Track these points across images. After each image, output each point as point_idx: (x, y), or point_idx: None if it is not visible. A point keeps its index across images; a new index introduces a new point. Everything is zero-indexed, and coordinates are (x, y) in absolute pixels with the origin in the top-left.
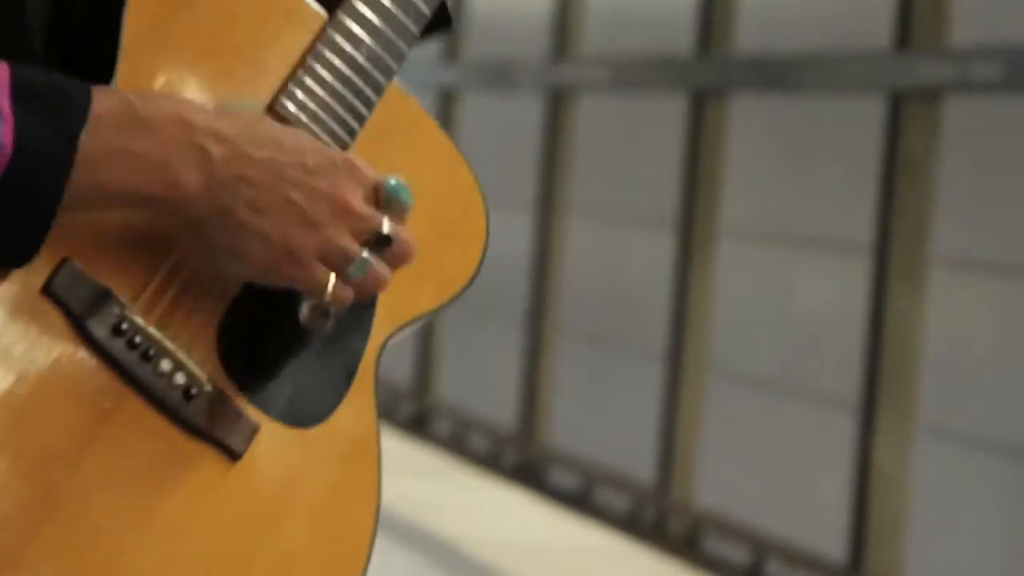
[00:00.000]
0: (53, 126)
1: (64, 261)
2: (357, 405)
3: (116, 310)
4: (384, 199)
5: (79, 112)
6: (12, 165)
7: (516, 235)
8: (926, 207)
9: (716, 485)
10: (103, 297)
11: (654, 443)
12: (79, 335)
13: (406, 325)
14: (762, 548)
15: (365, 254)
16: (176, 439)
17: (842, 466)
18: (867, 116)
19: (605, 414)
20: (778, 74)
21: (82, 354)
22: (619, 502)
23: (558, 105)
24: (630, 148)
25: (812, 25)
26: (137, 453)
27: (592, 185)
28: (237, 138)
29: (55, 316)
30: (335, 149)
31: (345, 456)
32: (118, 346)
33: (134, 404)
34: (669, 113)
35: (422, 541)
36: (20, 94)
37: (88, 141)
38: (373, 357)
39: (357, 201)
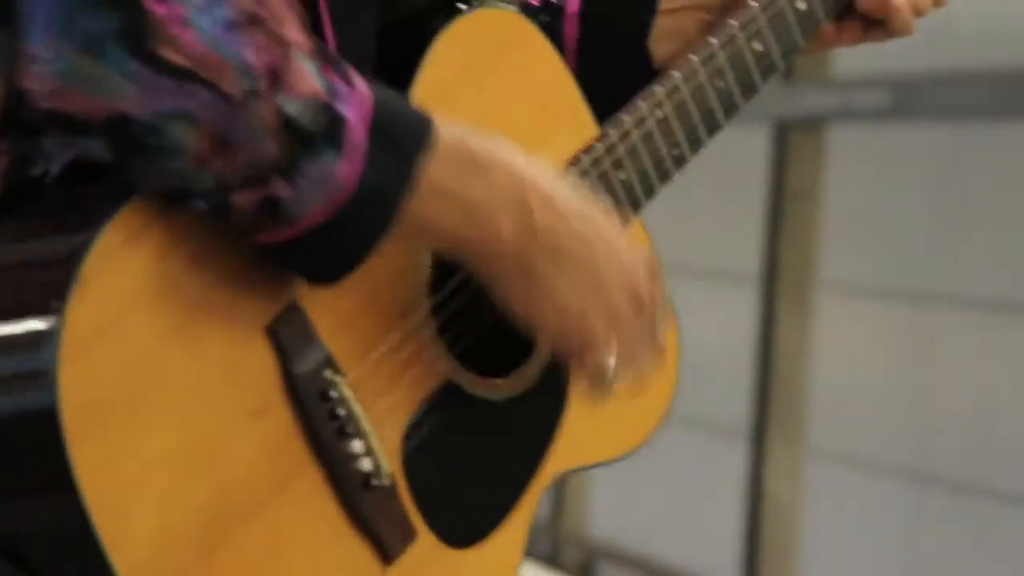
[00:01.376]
0: (398, 160)
1: (293, 304)
2: (509, 535)
3: (328, 374)
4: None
5: (423, 146)
6: (352, 201)
7: None
8: (813, 235)
9: (609, 515)
10: (320, 354)
11: None
12: (285, 385)
13: (579, 468)
14: None
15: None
16: (341, 527)
17: (734, 493)
18: (754, 146)
19: None
20: None
21: (282, 406)
22: None
23: None
24: None
25: None
26: (302, 529)
27: None
28: (562, 205)
29: (267, 357)
30: (647, 249)
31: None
32: (320, 412)
33: (315, 477)
34: None
35: None
36: (377, 130)
37: (425, 175)
38: (538, 489)
39: (652, 307)
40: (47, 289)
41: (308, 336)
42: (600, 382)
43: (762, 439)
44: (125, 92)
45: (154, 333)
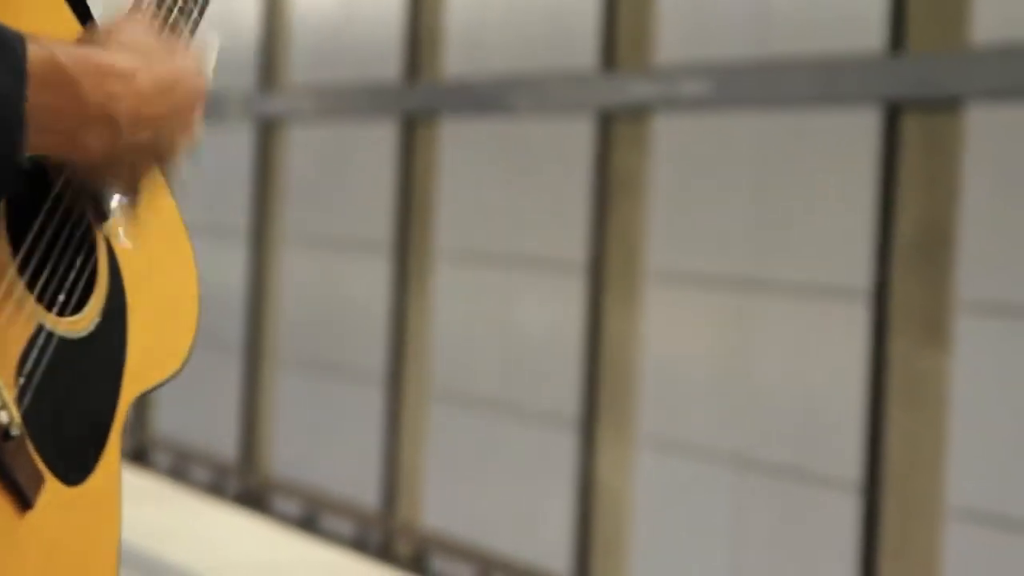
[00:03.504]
0: (12, 71)
1: None
2: (109, 462)
3: None
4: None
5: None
6: None
7: (231, 267)
8: (638, 224)
9: (441, 506)
10: None
11: (378, 467)
12: None
13: (147, 391)
14: (489, 566)
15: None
16: None
17: (565, 482)
18: (577, 135)
19: (329, 441)
20: (487, 97)
21: None
22: (345, 527)
23: (267, 135)
24: (343, 176)
25: (519, 48)
26: None
27: (307, 214)
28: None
29: None
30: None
31: (99, 513)
32: None
33: None
34: (380, 139)
35: (152, 568)
36: None
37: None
38: (121, 418)
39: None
40: None
41: None
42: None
43: (592, 428)
44: None
45: None
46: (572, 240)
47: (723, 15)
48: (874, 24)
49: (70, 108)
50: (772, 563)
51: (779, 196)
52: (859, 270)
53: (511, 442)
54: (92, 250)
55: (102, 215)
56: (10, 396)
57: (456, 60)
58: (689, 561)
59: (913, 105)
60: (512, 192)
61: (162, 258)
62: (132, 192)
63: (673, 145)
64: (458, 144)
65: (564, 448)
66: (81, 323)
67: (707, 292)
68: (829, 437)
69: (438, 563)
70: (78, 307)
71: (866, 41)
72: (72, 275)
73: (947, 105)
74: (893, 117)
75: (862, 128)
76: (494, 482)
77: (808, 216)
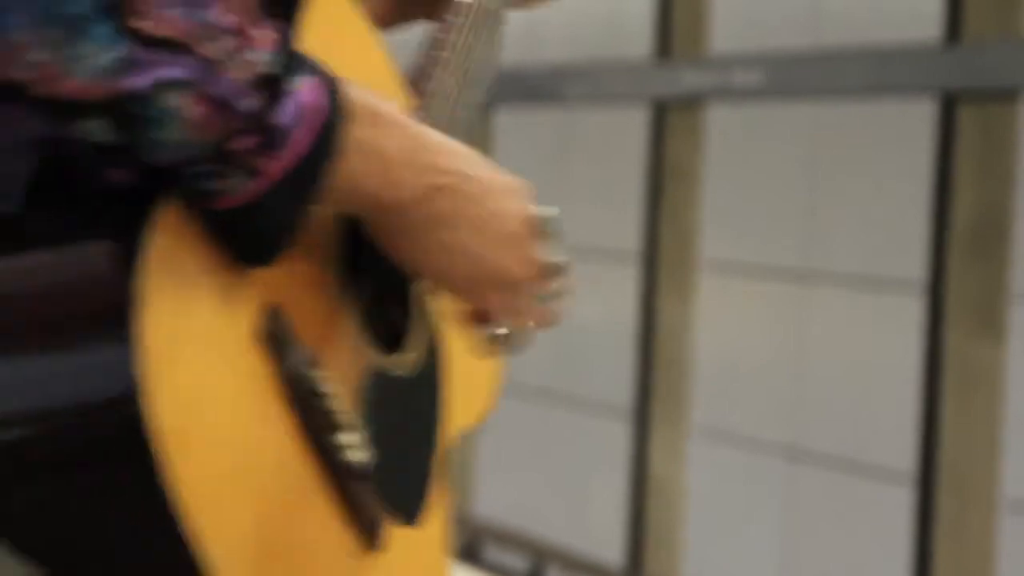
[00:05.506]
0: (333, 97)
1: (272, 304)
2: (436, 508)
3: (313, 370)
4: (546, 228)
5: (342, 94)
6: (326, 123)
7: None
8: (693, 213)
9: (494, 495)
10: (303, 352)
11: None
12: (285, 384)
13: (458, 435)
14: (541, 556)
15: (555, 283)
16: (336, 519)
17: (618, 472)
18: (631, 125)
19: None
20: (541, 87)
21: (282, 406)
22: None
23: None
24: None
25: (574, 38)
26: (306, 526)
27: None
28: (456, 159)
29: (260, 359)
30: (506, 174)
31: (431, 554)
32: (313, 408)
33: (315, 476)
34: None
35: None
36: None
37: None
38: (442, 461)
39: (535, 230)
40: (109, 312)
41: (293, 335)
42: (519, 321)
43: (645, 418)
44: (117, 69)
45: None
46: (626, 230)
47: (777, 5)
48: (930, 14)
49: (388, 148)
50: (824, 555)
51: (833, 186)
52: (914, 261)
53: (564, 432)
54: (406, 280)
55: None
56: (362, 436)
57: (509, 49)
58: (741, 552)
59: (969, 96)
60: (566, 181)
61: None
62: (508, 307)
63: (727, 135)
64: (511, 134)
65: (617, 438)
66: (406, 361)
67: (761, 282)
68: (883, 428)
69: (491, 553)
70: (396, 343)
71: (922, 31)
72: (393, 309)
73: (1003, 95)
74: (949, 108)
75: (917, 119)
76: (547, 472)
77: (862, 207)
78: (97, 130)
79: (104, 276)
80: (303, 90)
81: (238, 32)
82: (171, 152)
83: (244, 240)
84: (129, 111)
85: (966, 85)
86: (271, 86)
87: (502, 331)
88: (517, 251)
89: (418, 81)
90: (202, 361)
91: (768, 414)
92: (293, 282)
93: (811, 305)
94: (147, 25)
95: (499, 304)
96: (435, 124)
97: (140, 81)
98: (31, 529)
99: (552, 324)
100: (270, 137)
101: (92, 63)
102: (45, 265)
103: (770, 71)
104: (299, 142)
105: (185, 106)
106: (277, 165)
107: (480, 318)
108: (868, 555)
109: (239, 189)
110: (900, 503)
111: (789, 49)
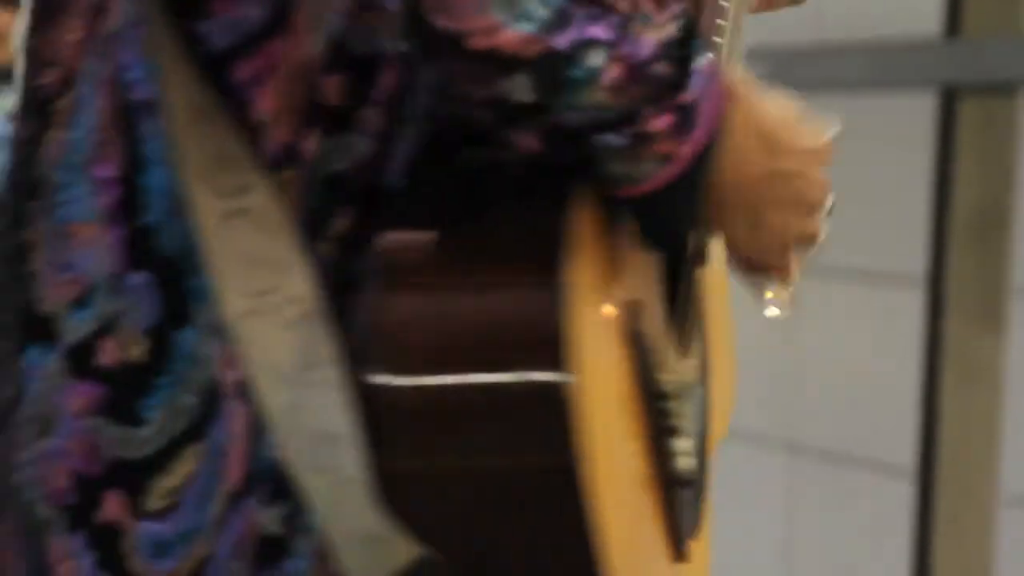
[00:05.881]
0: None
1: (635, 301)
2: (706, 525)
3: (662, 373)
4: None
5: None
6: (725, 98)
7: None
8: None
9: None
10: (655, 354)
11: None
12: (640, 385)
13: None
14: None
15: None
16: (657, 524)
17: None
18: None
19: None
20: None
21: (637, 405)
22: None
23: None
24: None
25: None
26: (634, 527)
27: None
28: (783, 123)
29: (625, 358)
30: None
31: (705, 566)
32: (660, 410)
33: (648, 480)
34: None
35: None
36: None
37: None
38: (710, 472)
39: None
40: (541, 358)
41: (647, 335)
42: (789, 281)
43: None
44: (551, 24)
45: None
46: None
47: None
48: (930, 9)
49: (736, 122)
50: (825, 548)
51: (833, 180)
52: (914, 254)
53: None
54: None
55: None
56: (694, 443)
57: None
58: (742, 546)
59: (969, 90)
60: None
61: (717, 313)
62: (786, 268)
63: None
64: None
65: None
66: (692, 369)
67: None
68: (883, 422)
69: None
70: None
71: (922, 26)
72: (687, 315)
73: (1004, 90)
74: (949, 102)
75: (918, 112)
76: None
77: (862, 200)
78: (520, 88)
79: (529, 260)
80: (704, 64)
81: None
82: (585, 116)
83: (656, 225)
84: (553, 69)
85: (966, 79)
86: (679, 53)
87: (772, 293)
88: (815, 217)
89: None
90: (593, 354)
91: (768, 408)
92: (636, 280)
93: (811, 297)
94: None
95: (790, 265)
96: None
97: (567, 38)
98: (446, 528)
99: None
100: (682, 117)
101: (532, 17)
102: (465, 248)
103: (772, 65)
104: (706, 123)
105: (604, 67)
106: (688, 149)
107: (762, 277)
108: (868, 548)
109: (652, 175)
110: (900, 497)
111: (791, 43)
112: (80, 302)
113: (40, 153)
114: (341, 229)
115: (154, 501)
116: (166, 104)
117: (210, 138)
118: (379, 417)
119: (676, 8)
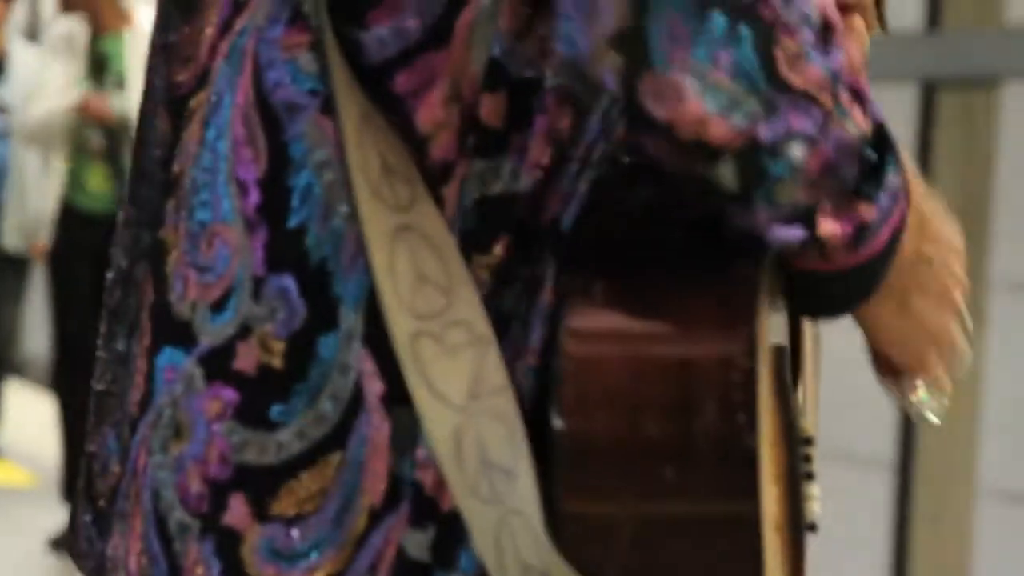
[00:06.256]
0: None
1: (781, 346)
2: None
3: (800, 418)
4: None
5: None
6: (904, 215)
7: None
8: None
9: None
10: (795, 398)
11: None
12: (783, 431)
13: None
14: None
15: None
16: (784, 567)
17: None
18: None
19: None
20: None
21: (782, 454)
22: None
23: None
24: None
25: None
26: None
27: None
28: (935, 226)
29: (775, 405)
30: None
31: None
32: (801, 457)
33: (783, 518)
34: None
35: None
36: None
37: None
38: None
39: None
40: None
41: (790, 379)
42: (942, 390)
43: None
44: (760, 117)
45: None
46: None
47: None
48: (911, 2)
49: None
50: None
51: None
52: None
53: None
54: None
55: None
56: (819, 490)
57: None
58: None
59: (949, 83)
60: None
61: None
62: (932, 373)
63: None
64: None
65: None
66: (810, 424)
67: None
68: (863, 416)
69: None
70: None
71: (903, 19)
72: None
73: (983, 83)
74: (929, 95)
75: (898, 106)
76: None
77: None
78: (725, 177)
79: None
80: (893, 177)
81: (852, 87)
82: (777, 209)
83: (805, 300)
84: (757, 161)
85: (947, 73)
86: (871, 157)
87: (923, 395)
88: (953, 317)
89: None
90: (765, 396)
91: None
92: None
93: None
94: (788, 72)
95: (934, 364)
96: None
97: (772, 131)
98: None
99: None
100: (858, 235)
101: (740, 110)
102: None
103: None
104: (878, 243)
105: (805, 161)
106: (850, 260)
107: (906, 378)
108: (848, 542)
109: (803, 258)
110: (879, 490)
111: None
112: (220, 305)
113: (176, 151)
114: (496, 259)
115: (284, 507)
116: (336, 108)
117: (378, 147)
118: (562, 454)
119: (873, 106)
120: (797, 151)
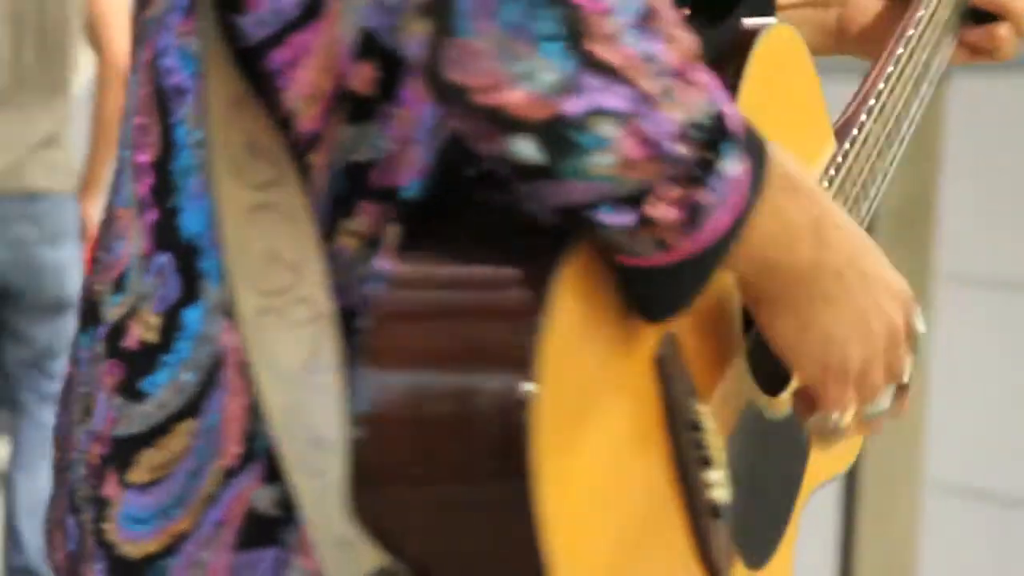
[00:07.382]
0: (757, 163)
1: (668, 332)
2: (786, 552)
3: (695, 402)
4: (915, 343)
5: (765, 163)
6: (747, 204)
7: None
8: None
9: None
10: (689, 383)
11: None
12: (666, 414)
13: (822, 484)
14: None
15: (888, 398)
16: (688, 556)
17: None
18: None
19: None
20: None
21: (660, 434)
22: None
23: None
24: None
25: None
26: (658, 559)
27: None
28: (846, 236)
29: (652, 386)
30: (905, 284)
31: None
32: (689, 441)
33: (674, 505)
34: None
35: None
36: (746, 130)
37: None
38: (800, 508)
39: (903, 340)
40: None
41: (682, 365)
42: (837, 421)
43: None
44: (563, 89)
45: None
46: None
47: None
48: None
49: (795, 216)
50: None
51: None
52: None
53: None
54: None
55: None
56: (726, 475)
57: None
58: None
59: None
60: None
61: None
62: (836, 402)
63: None
64: None
65: None
66: (780, 405)
67: None
68: None
69: None
70: (778, 386)
71: None
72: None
73: None
74: None
75: (843, 100)
76: None
77: None
78: (526, 150)
79: (518, 276)
80: (730, 163)
81: (679, 73)
82: (590, 185)
83: (642, 295)
84: (562, 134)
85: None
86: (701, 141)
87: (823, 421)
88: (879, 354)
89: (843, 129)
90: (592, 373)
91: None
92: (692, 312)
93: None
94: (598, 49)
95: (837, 397)
96: (843, 185)
97: (578, 105)
98: (407, 532)
99: (872, 433)
100: (691, 216)
101: (539, 79)
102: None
103: None
104: (717, 227)
105: (616, 138)
106: (689, 246)
107: (809, 404)
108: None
109: (643, 253)
110: (827, 487)
111: None
112: (118, 285)
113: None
114: (363, 226)
115: (140, 474)
116: (204, 91)
117: (244, 128)
118: (359, 417)
119: (714, 95)
120: (607, 127)
